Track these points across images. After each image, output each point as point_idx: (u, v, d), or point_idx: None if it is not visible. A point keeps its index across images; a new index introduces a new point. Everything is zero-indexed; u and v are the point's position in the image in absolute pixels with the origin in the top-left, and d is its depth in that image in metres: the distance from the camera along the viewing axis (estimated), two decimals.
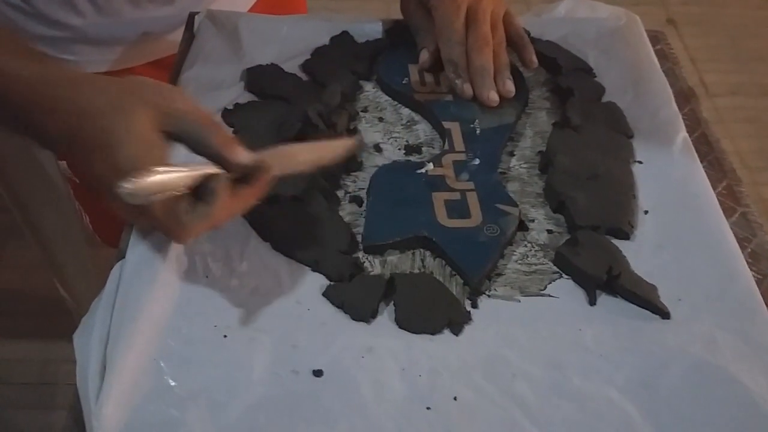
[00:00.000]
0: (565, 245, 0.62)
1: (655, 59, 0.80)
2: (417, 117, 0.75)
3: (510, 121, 0.73)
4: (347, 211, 0.65)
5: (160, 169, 0.50)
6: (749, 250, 0.65)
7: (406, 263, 0.61)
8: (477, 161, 0.68)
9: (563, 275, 0.61)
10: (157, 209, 0.52)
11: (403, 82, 0.76)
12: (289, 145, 0.60)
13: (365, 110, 0.75)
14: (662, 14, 2.40)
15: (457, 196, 0.65)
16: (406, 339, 0.56)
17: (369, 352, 0.55)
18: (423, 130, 0.73)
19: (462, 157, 0.69)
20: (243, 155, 0.55)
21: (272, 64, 0.76)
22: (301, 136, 0.67)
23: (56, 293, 1.28)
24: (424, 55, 0.76)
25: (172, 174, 0.51)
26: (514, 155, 0.71)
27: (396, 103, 0.76)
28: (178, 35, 0.83)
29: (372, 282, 0.59)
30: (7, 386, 1.51)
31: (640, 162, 0.70)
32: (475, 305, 0.58)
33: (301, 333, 0.56)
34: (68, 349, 0.54)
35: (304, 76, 0.76)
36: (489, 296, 0.59)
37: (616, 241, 0.63)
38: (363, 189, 0.67)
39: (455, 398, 0.52)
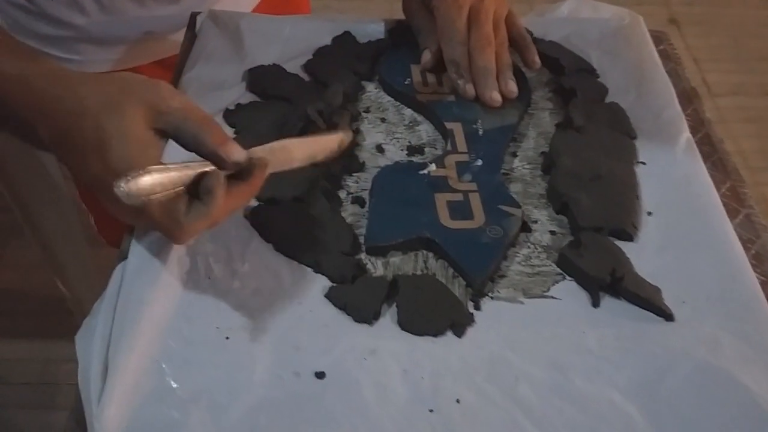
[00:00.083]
0: (568, 247, 0.61)
1: (658, 59, 0.80)
2: (419, 117, 0.74)
3: (513, 122, 0.72)
4: (349, 212, 0.65)
5: (155, 168, 0.50)
6: (753, 251, 0.64)
7: (409, 265, 0.61)
8: (479, 162, 0.68)
9: (566, 277, 0.60)
10: (154, 210, 0.52)
11: (406, 82, 0.76)
12: (282, 140, 0.59)
13: (367, 111, 0.74)
14: (665, 14, 2.40)
15: (459, 197, 0.65)
16: (409, 341, 0.56)
17: (371, 354, 0.54)
18: (425, 130, 0.73)
19: (464, 157, 0.68)
20: (237, 152, 0.54)
21: (274, 64, 0.76)
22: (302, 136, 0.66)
23: (57, 293, 1.28)
24: (426, 56, 0.76)
25: (167, 173, 0.51)
26: (516, 156, 0.71)
27: (398, 103, 0.76)
28: (182, 35, 0.83)
29: (374, 283, 0.58)
30: (8, 386, 1.51)
31: (644, 163, 0.70)
32: (477, 307, 0.58)
33: (303, 335, 0.55)
34: (69, 349, 0.54)
35: (306, 77, 0.76)
36: (492, 298, 0.59)
37: (619, 243, 0.62)
38: (365, 190, 0.66)
39: (458, 400, 0.52)
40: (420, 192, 0.65)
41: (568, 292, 0.60)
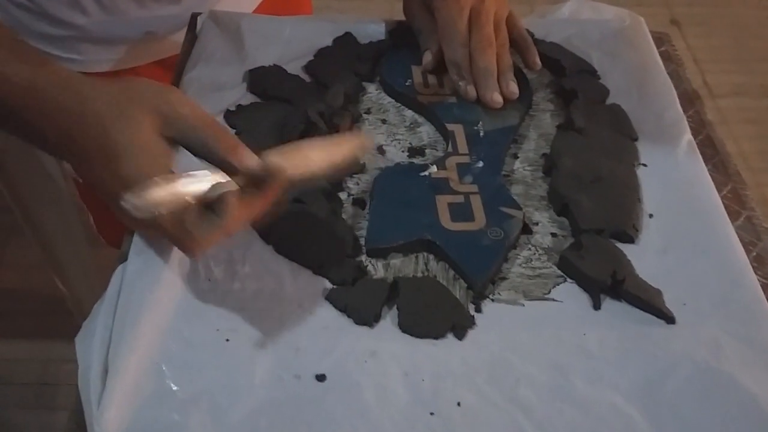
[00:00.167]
0: (569, 249, 0.61)
1: (660, 61, 0.80)
2: (420, 119, 0.74)
3: (514, 123, 0.72)
4: (350, 213, 0.64)
5: (166, 179, 0.49)
6: (754, 254, 0.64)
7: (410, 267, 0.61)
8: (481, 164, 0.68)
9: (567, 279, 0.60)
10: (165, 221, 0.51)
11: (406, 83, 0.76)
12: (297, 143, 0.57)
13: (368, 112, 0.74)
14: (666, 15, 2.39)
15: (460, 199, 0.65)
16: (409, 343, 0.56)
17: (372, 357, 0.54)
18: (426, 132, 0.73)
19: (465, 159, 0.68)
20: (251, 160, 0.53)
21: (275, 65, 0.76)
22: (303, 139, 0.66)
23: (57, 293, 1.28)
24: (427, 57, 0.76)
25: (178, 184, 0.49)
26: (517, 158, 0.71)
27: (399, 104, 0.75)
28: (182, 35, 0.83)
29: (375, 286, 0.58)
30: (8, 386, 1.51)
31: (645, 165, 0.70)
32: (478, 309, 0.58)
33: (303, 337, 0.55)
34: (69, 349, 0.54)
35: (306, 78, 0.76)
36: (493, 300, 0.59)
37: (620, 245, 0.62)
38: (366, 191, 0.66)
39: (458, 403, 0.52)
40: (421, 194, 0.65)
41: (569, 294, 0.59)
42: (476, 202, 0.64)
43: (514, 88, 0.73)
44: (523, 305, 0.59)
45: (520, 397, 0.53)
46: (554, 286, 0.60)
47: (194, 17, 0.82)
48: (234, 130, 0.70)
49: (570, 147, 0.69)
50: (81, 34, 0.82)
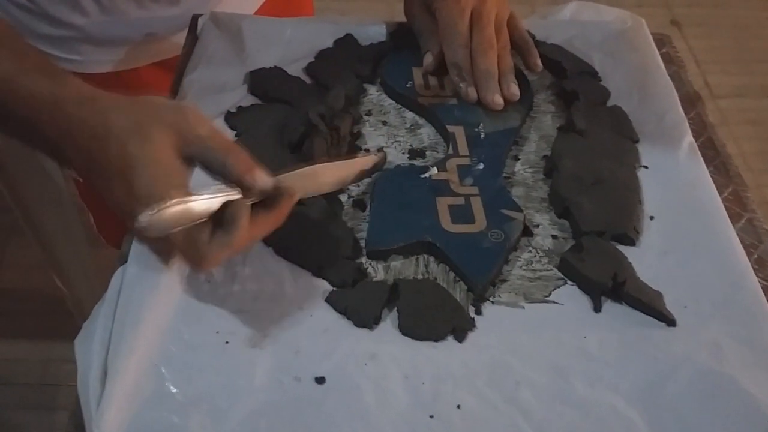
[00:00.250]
0: (570, 251, 0.61)
1: (661, 63, 0.80)
2: (421, 121, 0.74)
3: (514, 125, 0.72)
4: (350, 215, 0.64)
5: (179, 199, 0.49)
6: (755, 256, 0.64)
7: (410, 269, 0.61)
8: (481, 166, 0.68)
9: (568, 281, 0.60)
10: (176, 239, 0.51)
11: (407, 85, 0.76)
12: (311, 166, 0.59)
13: (369, 114, 0.74)
14: (666, 16, 2.39)
15: (461, 201, 0.65)
16: (410, 346, 0.55)
17: (372, 359, 0.54)
18: (427, 133, 0.73)
19: (466, 161, 0.68)
20: (264, 180, 0.53)
21: (276, 67, 0.76)
22: (303, 141, 0.66)
23: (58, 293, 1.28)
24: (428, 59, 0.76)
25: (190, 203, 0.50)
26: (518, 159, 0.71)
27: (400, 106, 0.75)
28: (182, 36, 0.83)
29: (375, 288, 0.58)
30: (8, 386, 1.50)
31: (646, 167, 0.69)
32: (479, 312, 0.58)
33: (303, 339, 0.55)
34: (70, 350, 0.54)
35: (307, 79, 0.76)
36: (493, 303, 0.59)
37: (621, 247, 0.62)
38: (366, 193, 0.66)
39: (458, 406, 0.52)
40: (421, 196, 0.65)
41: (570, 296, 0.59)
42: (477, 204, 0.64)
43: (515, 89, 0.73)
44: (524, 308, 0.59)
45: (520, 400, 0.53)
46: (555, 289, 0.60)
47: (195, 19, 0.82)
48: (234, 132, 0.70)
49: (571, 149, 0.69)
50: (81, 35, 0.82)
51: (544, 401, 0.53)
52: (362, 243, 0.62)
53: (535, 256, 0.62)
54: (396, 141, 0.72)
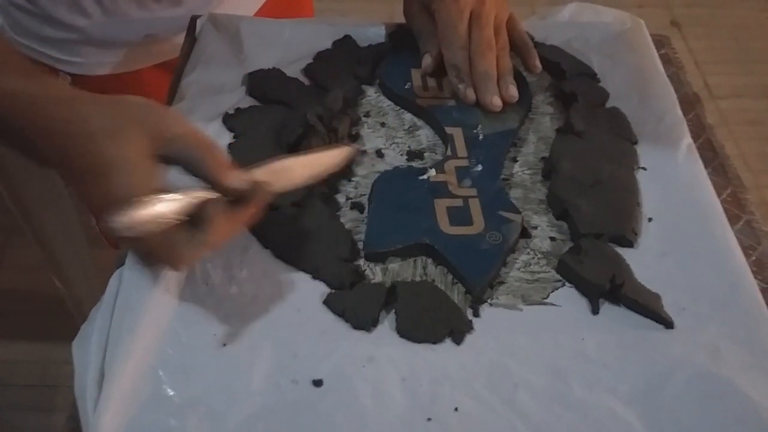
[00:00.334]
0: (568, 253, 0.61)
1: (660, 64, 0.80)
2: (419, 122, 0.74)
3: (513, 127, 0.72)
4: (348, 217, 0.64)
5: (154, 199, 0.50)
6: (754, 258, 0.64)
7: (408, 271, 0.61)
8: (479, 167, 0.68)
9: (566, 283, 0.60)
10: (151, 240, 0.51)
11: (406, 86, 0.76)
12: (284, 159, 0.59)
13: (367, 115, 0.74)
14: (666, 16, 2.39)
15: (459, 202, 0.64)
16: (407, 348, 0.55)
17: (369, 362, 0.54)
18: (425, 135, 0.73)
19: (464, 163, 0.68)
20: (237, 180, 0.54)
21: (274, 68, 0.76)
22: (301, 142, 0.66)
23: (58, 294, 1.28)
24: (427, 60, 0.76)
25: (165, 203, 0.50)
26: (517, 161, 0.70)
27: (398, 108, 0.75)
28: (184, 38, 0.83)
29: (373, 290, 0.58)
30: (8, 387, 1.50)
31: (644, 168, 0.69)
32: (476, 314, 0.58)
33: (301, 341, 0.55)
34: (70, 351, 0.54)
35: (306, 81, 0.76)
36: (491, 305, 0.59)
37: (619, 249, 0.62)
38: (364, 195, 0.66)
39: (456, 409, 0.52)
40: (419, 197, 0.65)
41: (568, 298, 0.59)
42: (475, 206, 0.64)
43: (513, 91, 0.73)
44: (522, 310, 0.58)
45: (518, 403, 0.53)
46: (553, 291, 0.60)
47: (193, 20, 0.82)
48: (233, 133, 0.70)
49: (569, 150, 0.69)
50: (82, 37, 0.82)
51: (542, 403, 0.53)
52: (360, 245, 0.62)
53: (534, 258, 0.62)
54: (394, 142, 0.72)
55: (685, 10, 2.42)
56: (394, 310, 0.57)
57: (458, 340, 0.56)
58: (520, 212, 0.64)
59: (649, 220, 0.65)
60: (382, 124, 0.73)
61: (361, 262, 0.61)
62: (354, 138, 0.71)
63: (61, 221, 1.13)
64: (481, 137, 0.71)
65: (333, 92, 0.71)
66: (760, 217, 0.68)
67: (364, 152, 0.70)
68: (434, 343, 0.56)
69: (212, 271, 0.59)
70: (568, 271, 0.60)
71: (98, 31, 0.81)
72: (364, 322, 0.56)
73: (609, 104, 0.75)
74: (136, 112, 0.54)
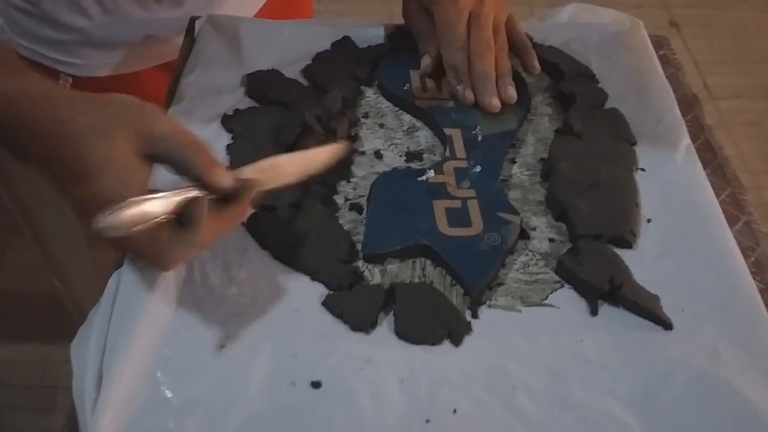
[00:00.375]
0: (566, 254, 0.61)
1: (659, 65, 0.80)
2: (418, 123, 0.74)
3: (512, 128, 0.72)
4: (347, 218, 0.64)
5: (138, 199, 0.49)
6: (753, 259, 0.64)
7: (406, 272, 0.61)
8: (478, 168, 0.68)
9: (565, 285, 0.60)
10: (137, 240, 0.51)
11: (405, 87, 0.76)
12: (273, 157, 0.58)
13: (366, 116, 0.74)
14: (665, 17, 2.39)
15: (458, 204, 0.64)
16: (406, 350, 0.55)
17: (368, 363, 0.54)
18: (424, 136, 0.73)
19: (463, 164, 0.68)
20: (224, 179, 0.53)
21: (273, 69, 0.76)
22: (299, 143, 0.66)
23: (58, 294, 1.28)
24: (426, 61, 0.76)
25: (151, 203, 0.50)
26: (515, 162, 0.70)
27: (397, 109, 0.75)
28: None
29: (371, 291, 0.58)
30: (8, 388, 1.51)
31: (643, 169, 0.69)
32: (475, 315, 0.58)
33: (299, 343, 0.55)
34: (69, 352, 0.54)
35: (305, 82, 0.76)
36: (490, 306, 0.59)
37: (618, 250, 0.62)
38: (363, 196, 0.66)
39: (455, 410, 0.52)
40: (418, 199, 0.65)
41: (567, 300, 0.59)
42: (474, 207, 0.64)
43: (512, 92, 0.73)
44: (520, 311, 0.58)
45: (517, 404, 0.53)
46: (551, 292, 0.60)
47: (192, 21, 0.82)
48: (231, 134, 0.70)
49: (568, 151, 0.69)
50: (82, 38, 0.82)
51: (540, 405, 0.53)
52: (359, 246, 0.62)
53: (532, 259, 0.62)
54: (393, 143, 0.72)
55: (684, 10, 2.43)
56: (392, 312, 0.57)
57: (457, 342, 0.56)
58: (518, 213, 0.64)
59: (648, 221, 0.65)
60: (381, 125, 0.73)
61: (360, 263, 0.61)
62: (353, 139, 0.71)
63: (61, 221, 1.13)
64: (479, 138, 0.71)
65: (332, 93, 0.71)
66: (759, 218, 0.68)
67: (363, 153, 0.70)
68: (433, 344, 0.56)
69: (211, 272, 0.59)
70: (567, 273, 0.60)
71: (99, 32, 0.81)
72: (363, 324, 0.56)
73: (608, 105, 0.75)
74: (121, 111, 0.53)
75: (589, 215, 0.64)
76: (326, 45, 0.79)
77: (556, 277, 0.61)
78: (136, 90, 0.81)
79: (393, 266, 0.61)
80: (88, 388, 0.51)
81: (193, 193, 0.52)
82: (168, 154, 0.53)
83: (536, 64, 0.75)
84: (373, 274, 0.60)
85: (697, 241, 0.63)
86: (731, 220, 0.66)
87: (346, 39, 0.80)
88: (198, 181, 0.53)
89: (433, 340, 0.56)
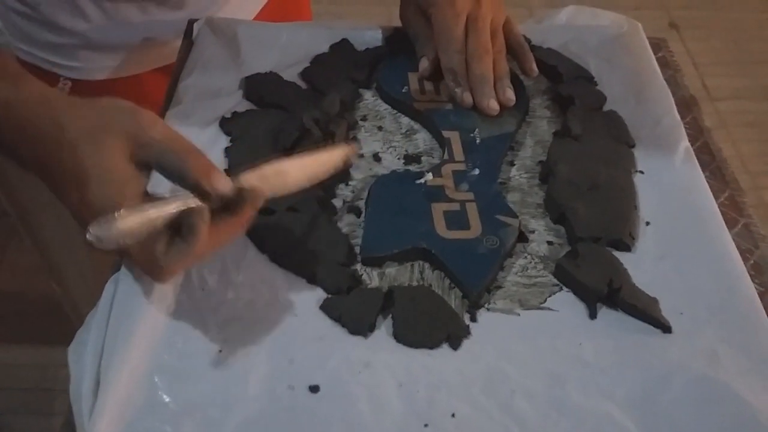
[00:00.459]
0: (565, 257, 0.61)
1: (657, 67, 0.80)
2: (416, 126, 0.74)
3: (510, 130, 0.72)
4: (346, 222, 0.64)
5: (131, 209, 0.47)
6: (752, 262, 0.64)
7: (405, 275, 0.60)
8: (477, 171, 0.67)
9: (563, 288, 0.60)
10: (132, 250, 0.50)
11: (403, 90, 0.76)
12: (277, 162, 0.55)
13: (364, 119, 0.74)
14: (664, 18, 2.39)
15: (456, 206, 0.64)
16: (404, 353, 0.55)
17: (366, 367, 0.54)
18: (422, 139, 0.73)
19: (462, 167, 0.68)
20: (223, 185, 0.51)
21: (271, 72, 0.76)
22: (298, 146, 0.66)
23: (56, 297, 1.27)
24: (424, 64, 0.76)
25: (144, 213, 0.48)
26: (514, 165, 0.70)
27: (395, 111, 0.75)
28: None
29: (370, 295, 0.58)
30: (6, 391, 1.50)
31: (642, 172, 0.69)
32: (474, 319, 0.58)
33: (297, 347, 0.55)
34: (67, 354, 0.54)
35: (303, 84, 0.76)
36: (488, 309, 0.58)
37: (617, 253, 0.62)
38: (361, 199, 0.66)
39: (453, 414, 0.52)
40: (416, 202, 0.65)
41: (565, 303, 0.59)
42: (472, 210, 0.64)
43: (510, 94, 0.73)
44: (519, 314, 0.58)
45: (516, 408, 0.52)
46: (550, 295, 0.60)
47: (191, 24, 0.82)
48: (229, 137, 0.70)
49: (566, 154, 0.69)
50: (82, 41, 0.81)
51: (539, 409, 0.53)
52: (357, 249, 0.62)
53: (531, 262, 0.62)
54: (391, 146, 0.72)
55: (683, 12, 2.43)
56: (390, 315, 0.57)
57: (455, 346, 0.56)
58: (517, 216, 0.64)
59: (647, 223, 0.65)
60: (379, 128, 0.73)
61: (358, 266, 0.61)
62: (351, 142, 0.71)
63: (59, 224, 1.13)
64: (478, 141, 0.71)
65: (330, 96, 0.71)
66: (758, 220, 0.68)
67: (361, 156, 0.70)
68: (431, 348, 0.55)
69: (209, 276, 0.58)
70: (566, 276, 0.60)
71: (98, 35, 0.81)
72: (361, 328, 0.56)
73: (606, 107, 0.75)
74: (113, 116, 0.52)
75: (588, 218, 0.63)
76: (324, 48, 0.79)
77: (555, 280, 0.61)
78: (135, 93, 0.81)
79: (391, 269, 0.61)
80: (86, 392, 0.50)
81: (190, 201, 0.50)
82: (161, 159, 0.52)
83: (534, 66, 0.75)
84: (372, 278, 0.60)
85: (695, 244, 0.63)
86: (730, 223, 0.66)
87: (344, 42, 0.80)
88: (195, 189, 0.51)
89: (432, 344, 0.56)
